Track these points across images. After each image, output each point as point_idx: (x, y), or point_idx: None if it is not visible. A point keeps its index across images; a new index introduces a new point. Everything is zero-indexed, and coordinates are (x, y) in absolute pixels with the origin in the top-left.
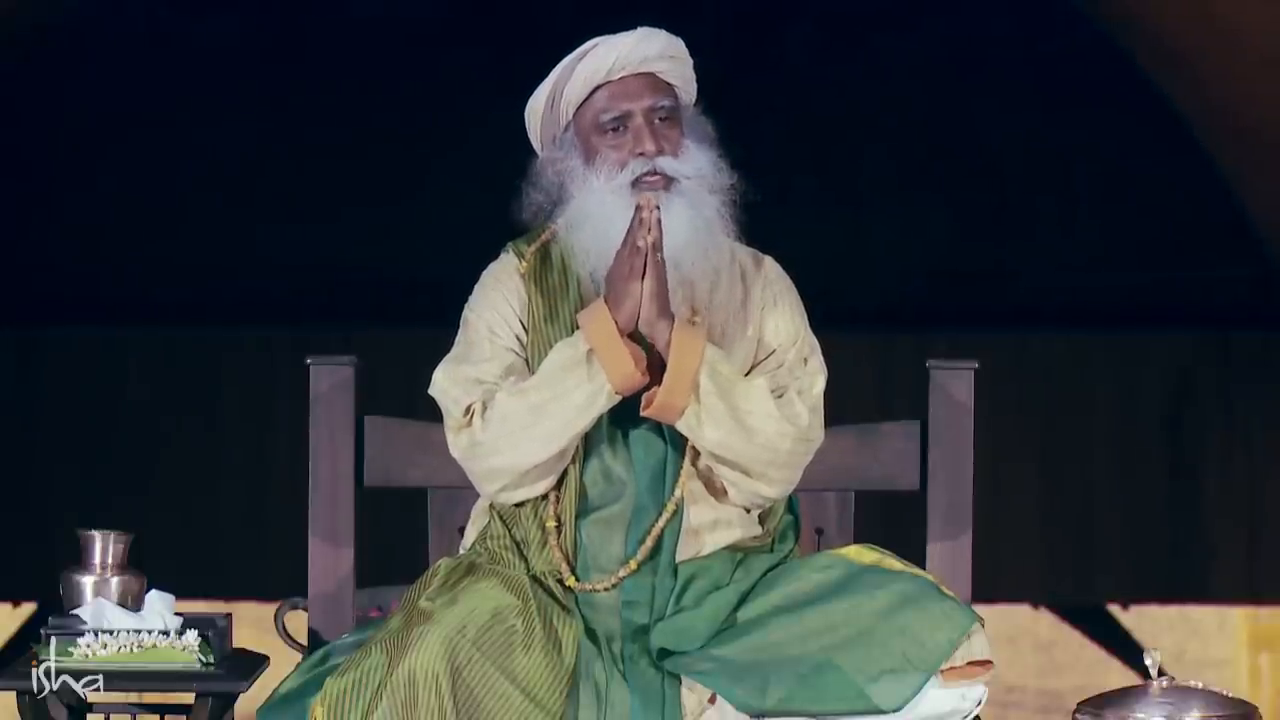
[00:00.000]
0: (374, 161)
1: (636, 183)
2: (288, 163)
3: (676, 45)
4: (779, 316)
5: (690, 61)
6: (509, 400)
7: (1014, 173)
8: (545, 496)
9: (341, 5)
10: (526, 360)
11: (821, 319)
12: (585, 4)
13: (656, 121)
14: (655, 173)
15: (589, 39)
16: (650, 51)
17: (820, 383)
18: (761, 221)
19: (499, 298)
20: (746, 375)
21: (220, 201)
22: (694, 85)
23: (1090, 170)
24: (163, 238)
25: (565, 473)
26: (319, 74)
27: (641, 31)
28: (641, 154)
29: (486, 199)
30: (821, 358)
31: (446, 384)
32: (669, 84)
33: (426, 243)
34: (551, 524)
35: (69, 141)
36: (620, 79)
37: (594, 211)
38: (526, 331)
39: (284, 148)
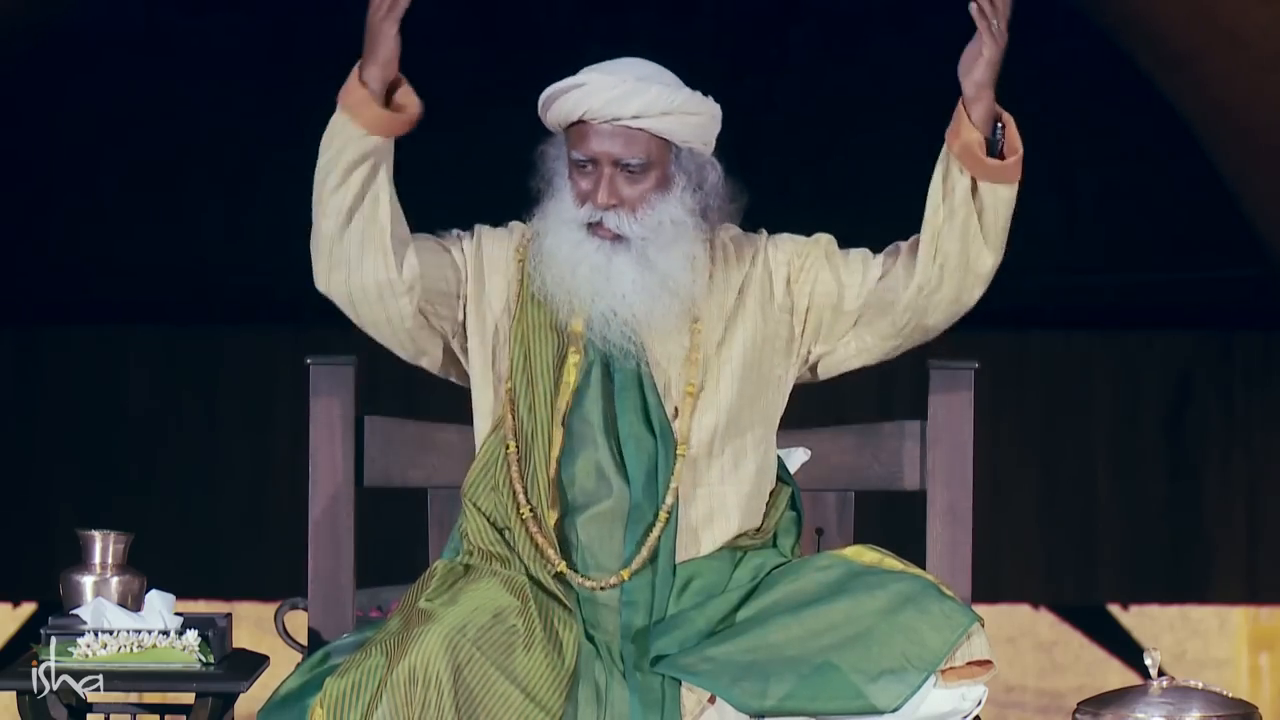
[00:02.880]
0: None
1: (590, 228)
2: (287, 162)
3: (668, 102)
4: (806, 254)
5: (694, 113)
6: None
7: None
8: (512, 490)
9: (341, 5)
10: (458, 266)
11: None
12: (585, 4)
13: (623, 173)
14: (604, 225)
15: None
16: (624, 112)
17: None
18: (762, 221)
19: (497, 248)
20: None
21: (220, 201)
22: (696, 129)
23: (1091, 170)
24: (162, 237)
25: (533, 463)
26: (319, 74)
27: (628, 85)
28: (595, 203)
29: (487, 198)
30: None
31: None
32: (654, 136)
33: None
34: (527, 512)
35: (69, 141)
36: (596, 124)
37: (552, 231)
38: (516, 306)
39: (283, 147)
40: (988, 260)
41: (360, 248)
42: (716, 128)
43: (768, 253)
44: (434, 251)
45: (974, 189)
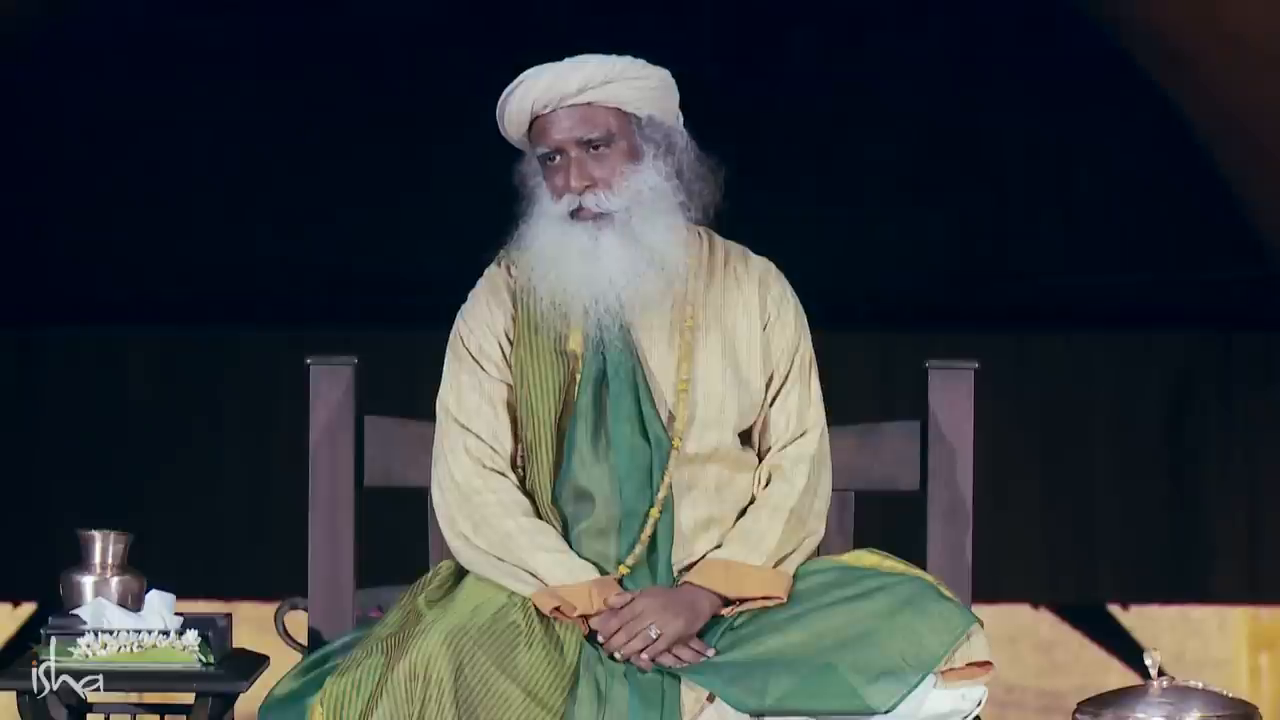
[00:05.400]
0: (374, 161)
1: (574, 214)
2: (287, 163)
3: (607, 70)
4: (783, 330)
5: (639, 77)
6: (478, 555)
7: (1014, 173)
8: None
9: (341, 5)
10: (508, 385)
11: (821, 319)
12: (584, 3)
13: (589, 153)
14: (584, 208)
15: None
16: (568, 89)
17: (815, 419)
18: (762, 221)
19: (488, 311)
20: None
21: (220, 201)
22: (650, 95)
23: (1090, 170)
24: (163, 238)
25: (535, 485)
26: (318, 74)
27: (564, 65)
28: (570, 190)
29: (486, 199)
30: (817, 372)
31: (447, 430)
32: (607, 108)
33: (426, 243)
34: None
35: (69, 141)
36: (549, 113)
37: (539, 236)
38: (511, 343)
39: (283, 148)
40: None
41: None
42: (673, 95)
43: (769, 289)
44: (504, 422)
45: None
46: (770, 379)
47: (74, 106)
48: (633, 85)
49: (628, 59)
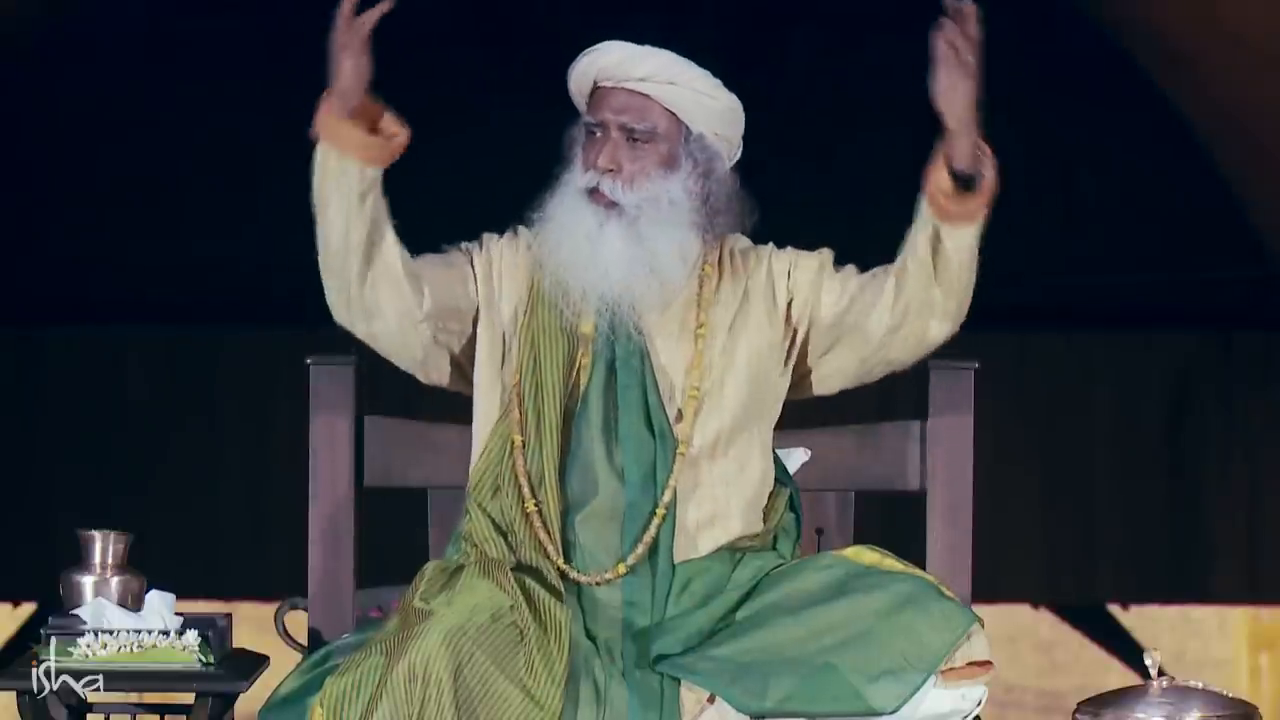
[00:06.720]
0: None
1: (590, 193)
2: (287, 161)
3: (677, 71)
4: (801, 266)
5: (706, 93)
6: None
7: (1015, 173)
8: (517, 485)
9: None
10: (473, 277)
11: None
12: (586, 3)
13: (629, 142)
14: (600, 190)
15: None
16: (634, 71)
17: None
18: (762, 221)
19: (497, 245)
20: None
21: (220, 201)
22: (711, 115)
23: (1091, 170)
24: (162, 237)
25: (539, 460)
26: (319, 74)
27: (641, 49)
28: (595, 167)
29: (486, 198)
30: None
31: None
32: (664, 108)
33: (426, 242)
34: (532, 506)
35: (69, 141)
36: (610, 88)
37: (556, 204)
38: (526, 308)
39: (283, 147)
40: (949, 304)
41: (378, 294)
42: (736, 124)
43: (771, 261)
44: (444, 273)
45: (937, 235)
46: (811, 310)
47: (73, 106)
48: (697, 98)
49: (705, 72)
